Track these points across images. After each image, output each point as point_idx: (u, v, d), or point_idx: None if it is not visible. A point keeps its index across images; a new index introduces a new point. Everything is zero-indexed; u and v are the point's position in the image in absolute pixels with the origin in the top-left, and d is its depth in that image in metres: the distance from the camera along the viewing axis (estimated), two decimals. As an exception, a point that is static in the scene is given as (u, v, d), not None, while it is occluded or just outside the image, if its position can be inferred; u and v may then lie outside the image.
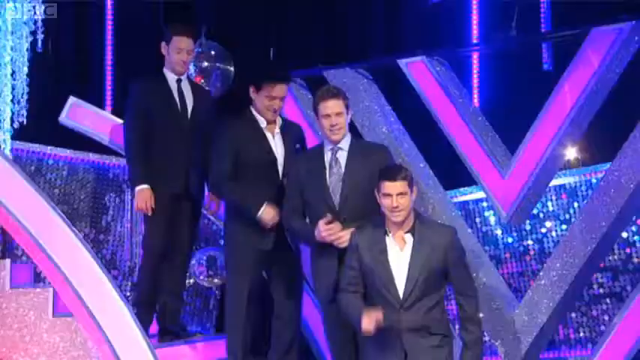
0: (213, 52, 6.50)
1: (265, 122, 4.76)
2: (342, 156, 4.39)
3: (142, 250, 5.48)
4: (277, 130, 4.75)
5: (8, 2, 5.62)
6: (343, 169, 4.38)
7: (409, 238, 3.92)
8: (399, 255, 3.89)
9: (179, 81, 5.18)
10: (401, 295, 3.85)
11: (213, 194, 5.25)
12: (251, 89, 4.77)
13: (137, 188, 5.13)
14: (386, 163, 4.34)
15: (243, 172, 4.68)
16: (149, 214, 5.27)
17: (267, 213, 4.60)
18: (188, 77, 5.37)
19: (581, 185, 6.21)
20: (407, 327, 3.86)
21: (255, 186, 4.65)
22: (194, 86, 5.34)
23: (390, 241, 3.91)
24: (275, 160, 4.74)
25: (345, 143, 4.40)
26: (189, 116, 5.22)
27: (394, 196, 3.80)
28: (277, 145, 4.80)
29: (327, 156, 4.42)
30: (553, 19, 6.99)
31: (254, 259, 4.69)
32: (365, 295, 3.97)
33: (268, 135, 4.71)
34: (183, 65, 5.15)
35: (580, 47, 5.17)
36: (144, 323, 5.10)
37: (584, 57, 5.15)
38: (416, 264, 3.87)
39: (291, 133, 4.83)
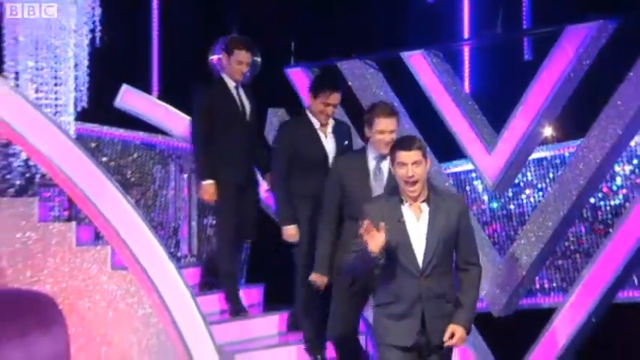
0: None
1: (319, 124, 4.69)
2: (385, 165, 4.10)
3: (218, 237, 5.40)
4: (329, 130, 4.68)
5: (71, 6, 5.54)
6: (385, 178, 4.14)
7: (425, 207, 3.48)
8: (416, 224, 3.47)
9: (236, 87, 5.11)
10: (420, 264, 3.43)
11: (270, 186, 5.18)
12: (309, 95, 4.73)
13: (203, 183, 5.09)
14: None
15: (298, 167, 4.63)
16: (212, 204, 5.20)
17: (288, 230, 4.65)
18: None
19: (555, 159, 6.18)
20: (426, 295, 3.44)
21: (308, 179, 4.60)
22: (246, 90, 5.27)
23: (406, 210, 3.48)
24: (327, 157, 4.67)
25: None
26: (247, 117, 5.18)
27: (409, 165, 3.39)
28: (329, 143, 4.72)
29: (372, 164, 4.20)
30: (533, 16, 6.92)
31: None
32: (383, 265, 3.50)
33: (321, 135, 4.64)
34: (241, 74, 5.08)
35: (556, 41, 5.13)
36: (232, 297, 5.16)
37: (559, 50, 5.12)
38: (433, 233, 3.45)
39: (341, 132, 4.75)
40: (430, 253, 3.42)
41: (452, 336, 3.46)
